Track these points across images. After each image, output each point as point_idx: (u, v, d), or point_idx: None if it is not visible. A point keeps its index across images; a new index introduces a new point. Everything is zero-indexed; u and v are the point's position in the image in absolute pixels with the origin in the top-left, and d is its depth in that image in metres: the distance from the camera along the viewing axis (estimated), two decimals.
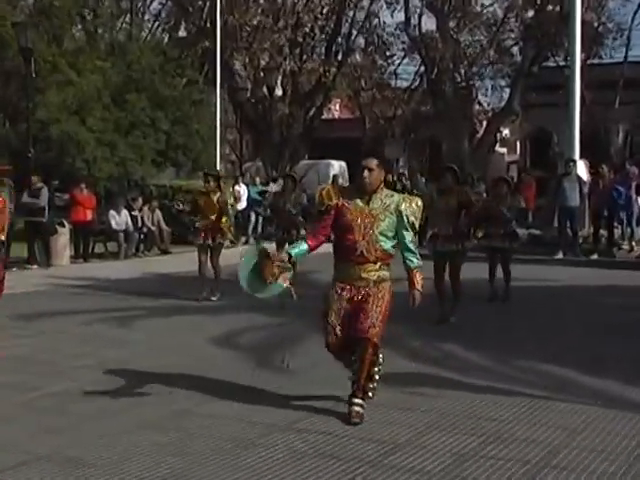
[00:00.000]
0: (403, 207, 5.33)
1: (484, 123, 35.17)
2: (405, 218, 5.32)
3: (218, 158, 22.91)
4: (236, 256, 5.22)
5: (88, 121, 21.65)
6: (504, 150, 41.70)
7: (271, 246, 5.57)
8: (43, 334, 8.89)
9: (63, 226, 16.61)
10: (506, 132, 40.53)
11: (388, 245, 5.37)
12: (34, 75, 19.99)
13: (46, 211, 16.16)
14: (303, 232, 10.91)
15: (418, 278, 5.39)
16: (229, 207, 11.38)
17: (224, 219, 11.12)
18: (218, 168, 21.87)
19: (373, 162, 5.34)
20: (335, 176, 24.83)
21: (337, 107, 42.97)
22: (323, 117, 35.32)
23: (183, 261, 11.87)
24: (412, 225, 5.36)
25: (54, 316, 10.02)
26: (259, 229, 21.98)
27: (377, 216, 5.30)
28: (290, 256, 5.28)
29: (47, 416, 5.74)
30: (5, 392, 6.38)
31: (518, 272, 11.65)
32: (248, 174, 27.07)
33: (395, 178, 21.70)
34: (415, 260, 5.41)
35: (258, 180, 24.19)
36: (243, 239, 20.87)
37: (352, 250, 5.31)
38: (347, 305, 5.36)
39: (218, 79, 24.09)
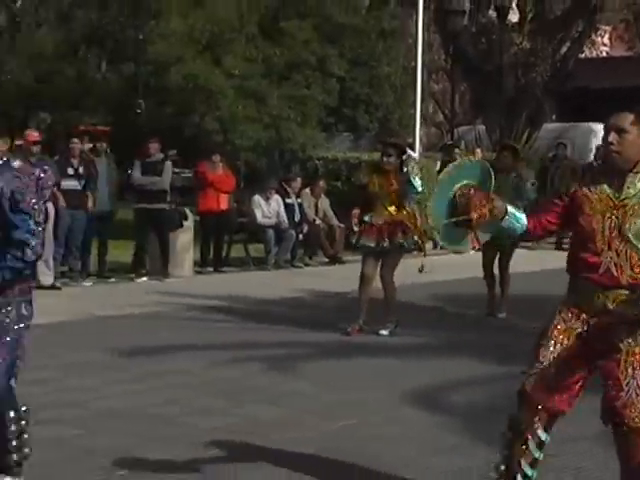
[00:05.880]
0: None
1: None
2: None
3: (418, 118, 22.81)
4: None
5: (225, 61, 22.20)
6: None
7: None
8: (153, 378, 9.17)
9: (185, 218, 17.02)
10: None
11: None
12: None
13: (168, 195, 16.58)
14: None
15: None
16: (419, 186, 11.24)
17: (408, 209, 11.30)
18: (417, 133, 21.76)
19: (627, 118, 5.13)
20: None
21: (606, 40, 41.90)
22: (583, 56, 34.44)
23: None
24: None
25: (169, 351, 10.30)
26: None
27: (632, 208, 5.14)
28: (505, 212, 5.27)
29: None
30: (97, 463, 6.49)
31: None
32: (463, 143, 26.80)
33: None
34: None
35: (479, 152, 23.89)
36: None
37: (592, 265, 5.21)
38: (577, 345, 5.28)
39: None
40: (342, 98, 23.37)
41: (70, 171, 15.10)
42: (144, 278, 16.18)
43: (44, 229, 5.62)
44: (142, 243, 16.54)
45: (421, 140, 22.93)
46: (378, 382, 9.00)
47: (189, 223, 17.15)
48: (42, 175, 5.58)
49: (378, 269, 11.47)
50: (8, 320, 5.48)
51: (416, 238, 11.41)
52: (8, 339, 5.49)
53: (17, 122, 23.58)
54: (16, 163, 5.61)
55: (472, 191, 5.21)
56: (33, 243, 5.41)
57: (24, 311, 5.57)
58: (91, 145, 17.26)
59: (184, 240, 16.98)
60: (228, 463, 6.51)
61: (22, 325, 5.55)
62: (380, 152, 12.10)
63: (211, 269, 17.58)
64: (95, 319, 12.12)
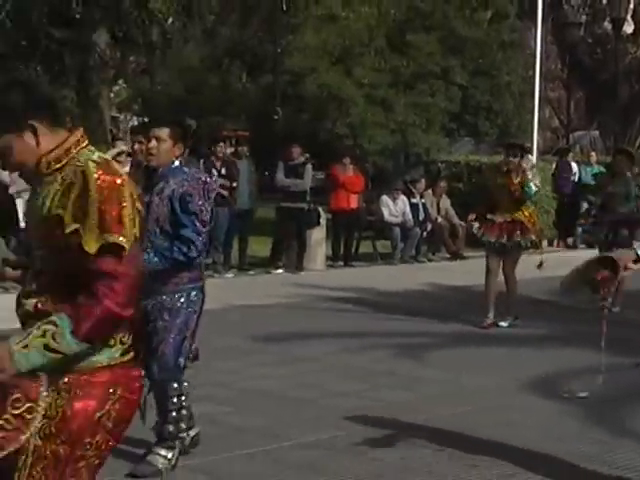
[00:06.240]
0: None
1: None
2: None
3: (536, 124, 22.55)
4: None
5: (355, 71, 22.25)
6: None
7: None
8: (292, 363, 9.24)
9: (319, 216, 17.09)
10: None
11: None
12: (284, 9, 20.75)
13: (308, 195, 16.66)
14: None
15: None
16: (533, 191, 11.15)
17: (528, 211, 11.16)
18: (535, 138, 21.51)
19: None
20: None
21: None
22: None
23: (482, 269, 11.88)
24: None
25: (304, 338, 10.38)
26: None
27: None
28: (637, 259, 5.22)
29: (296, 475, 5.88)
30: (246, 438, 6.57)
31: None
32: (578, 147, 26.45)
33: None
34: None
35: (594, 156, 23.54)
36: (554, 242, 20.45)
37: None
38: None
39: (539, 10, 23.67)
40: (464, 105, 23.25)
41: (214, 172, 15.27)
42: (280, 270, 16.31)
43: (208, 229, 5.83)
44: (280, 239, 16.69)
45: (538, 145, 22.67)
46: (499, 370, 8.93)
47: (322, 221, 17.22)
48: (208, 180, 5.94)
49: (501, 264, 11.35)
50: (179, 304, 5.73)
51: (533, 237, 11.31)
52: (178, 321, 5.72)
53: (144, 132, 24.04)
54: (186, 168, 5.87)
55: (601, 275, 5.23)
56: (197, 242, 5.67)
57: (193, 297, 5.81)
58: (233, 149, 17.44)
59: (317, 236, 17.06)
60: (367, 443, 6.50)
61: (191, 310, 5.80)
62: (502, 154, 12.02)
63: (341, 263, 17.62)
64: (236, 308, 12.23)
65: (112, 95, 29.43)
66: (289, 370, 8.90)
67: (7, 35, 22.61)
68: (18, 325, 3.21)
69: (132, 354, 3.21)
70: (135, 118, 46.90)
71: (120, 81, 29.35)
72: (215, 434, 6.27)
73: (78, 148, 3.19)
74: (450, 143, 23.89)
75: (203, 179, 5.89)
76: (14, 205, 13.49)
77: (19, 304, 3.25)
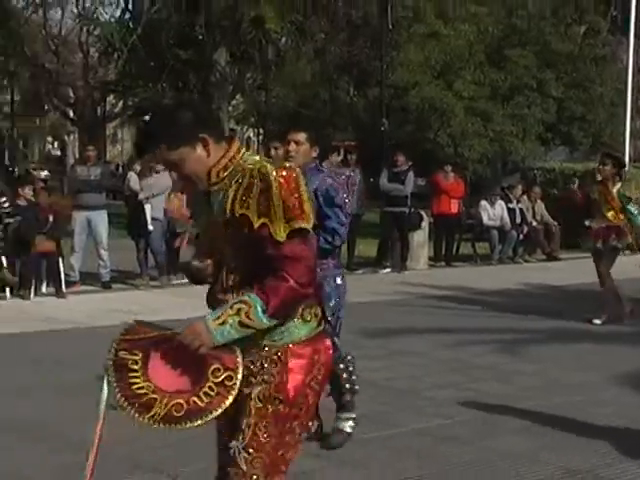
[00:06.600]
0: None
1: None
2: None
3: (627, 133, 22.14)
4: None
5: (456, 85, 22.15)
6: None
7: None
8: (395, 355, 9.22)
9: (421, 219, 17.05)
10: None
11: None
12: (390, 27, 20.76)
13: (409, 200, 16.60)
14: None
15: None
16: (632, 204, 10.93)
17: (628, 218, 11.03)
18: (627, 146, 21.10)
19: None
20: None
21: None
22: None
23: (576, 270, 11.65)
24: None
25: (408, 333, 10.35)
26: None
27: None
28: None
29: (406, 460, 5.84)
30: (359, 425, 6.52)
31: None
32: None
33: None
34: None
35: None
36: None
37: None
38: None
39: (632, 25, 23.21)
40: (559, 116, 23.01)
41: None
42: (387, 270, 16.29)
43: (351, 220, 5.90)
44: (386, 240, 16.69)
45: (630, 153, 22.24)
46: (591, 365, 8.78)
47: (424, 224, 17.18)
48: (351, 174, 6.14)
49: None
50: (328, 289, 5.82)
51: (630, 240, 11.07)
52: (331, 304, 5.83)
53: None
54: (325, 167, 6.04)
55: None
56: (340, 231, 5.76)
57: (339, 281, 5.97)
58: (341, 157, 17.47)
59: (420, 238, 17.02)
60: (471, 431, 6.45)
61: (338, 292, 5.95)
62: (595, 162, 11.82)
63: (443, 264, 17.57)
64: (346, 304, 12.22)
65: (231, 109, 29.81)
66: (394, 362, 8.87)
67: (138, 57, 23.09)
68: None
69: (323, 325, 3.42)
70: (251, 130, 47.44)
71: (238, 96, 29.67)
72: (330, 420, 6.28)
73: (240, 155, 3.35)
74: (545, 151, 23.65)
75: (347, 174, 5.99)
76: (143, 211, 13.74)
77: (214, 300, 3.40)
